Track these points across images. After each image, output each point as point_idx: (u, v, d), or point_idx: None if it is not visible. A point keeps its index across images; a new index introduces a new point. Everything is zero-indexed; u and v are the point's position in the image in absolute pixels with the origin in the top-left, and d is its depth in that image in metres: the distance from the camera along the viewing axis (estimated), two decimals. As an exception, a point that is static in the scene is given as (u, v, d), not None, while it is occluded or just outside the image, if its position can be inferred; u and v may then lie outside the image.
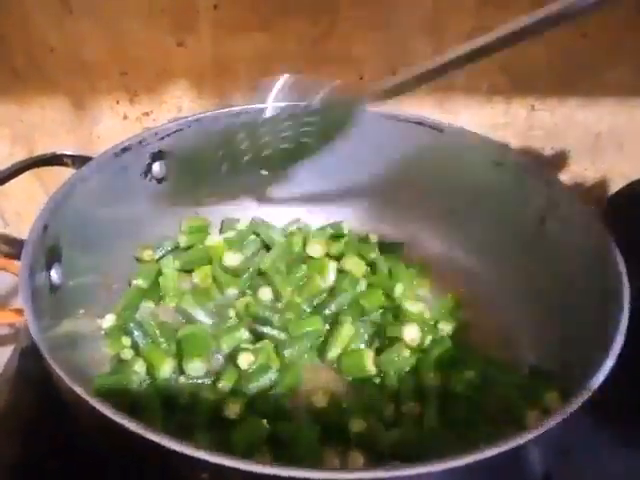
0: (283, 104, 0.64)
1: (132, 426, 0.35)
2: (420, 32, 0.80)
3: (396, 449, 0.54)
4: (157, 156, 0.66)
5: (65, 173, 0.59)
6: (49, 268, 0.52)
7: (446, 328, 0.66)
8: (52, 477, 0.52)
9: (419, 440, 0.55)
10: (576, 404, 0.41)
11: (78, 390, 0.37)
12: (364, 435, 0.55)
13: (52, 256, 0.53)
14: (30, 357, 0.61)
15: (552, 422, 0.40)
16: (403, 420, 0.58)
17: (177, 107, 0.87)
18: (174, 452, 0.35)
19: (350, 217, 0.78)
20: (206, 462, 0.35)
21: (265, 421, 0.54)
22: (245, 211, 0.78)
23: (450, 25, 0.79)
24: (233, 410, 0.55)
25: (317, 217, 0.79)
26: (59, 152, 0.64)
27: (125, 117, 0.87)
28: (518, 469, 0.46)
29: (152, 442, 0.35)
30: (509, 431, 0.39)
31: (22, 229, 0.55)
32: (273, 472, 0.34)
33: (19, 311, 0.77)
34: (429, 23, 0.79)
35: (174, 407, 0.56)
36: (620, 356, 0.45)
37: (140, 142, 0.64)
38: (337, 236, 0.76)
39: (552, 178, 0.63)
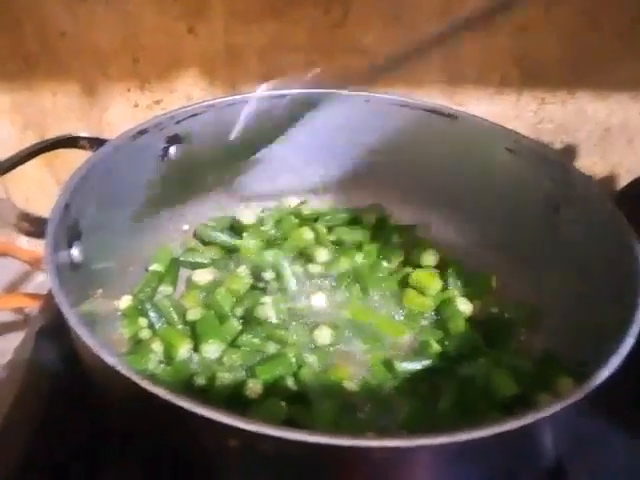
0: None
1: (164, 393, 0.35)
2: (432, 21, 0.80)
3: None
4: (173, 139, 0.66)
5: (76, 159, 0.59)
6: (70, 246, 0.53)
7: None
8: (75, 458, 0.51)
9: (432, 424, 0.55)
10: (588, 388, 0.41)
11: (110, 360, 0.37)
12: (378, 417, 0.56)
13: (73, 234, 0.53)
14: (47, 338, 0.60)
15: (563, 404, 0.39)
16: (416, 404, 0.58)
17: (187, 95, 0.87)
18: (204, 418, 0.35)
19: (360, 202, 0.78)
20: (235, 428, 0.35)
21: (284, 403, 0.54)
22: (257, 199, 0.78)
23: (462, 14, 0.80)
24: (254, 390, 0.55)
25: (328, 203, 0.79)
26: (75, 134, 0.63)
27: (136, 105, 0.88)
28: (530, 450, 0.45)
29: (182, 409, 0.35)
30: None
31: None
32: (304, 439, 0.34)
33: (31, 295, 0.78)
34: (441, 12, 0.79)
35: (191, 387, 0.56)
36: (637, 342, 0.45)
37: (156, 125, 0.64)
38: (355, 221, 0.76)
39: (567, 164, 0.63)
